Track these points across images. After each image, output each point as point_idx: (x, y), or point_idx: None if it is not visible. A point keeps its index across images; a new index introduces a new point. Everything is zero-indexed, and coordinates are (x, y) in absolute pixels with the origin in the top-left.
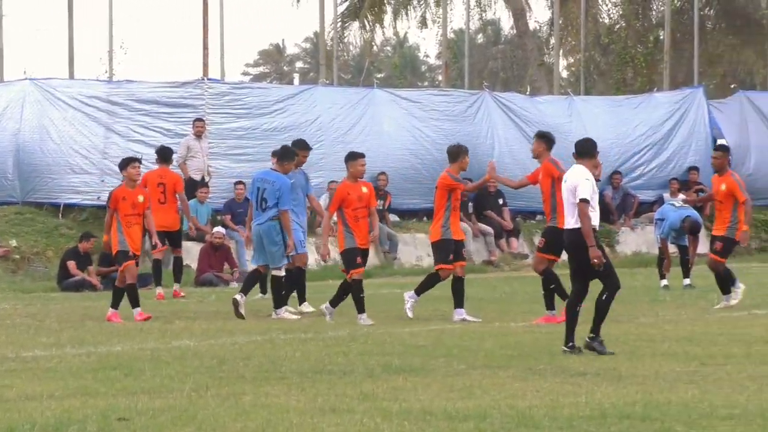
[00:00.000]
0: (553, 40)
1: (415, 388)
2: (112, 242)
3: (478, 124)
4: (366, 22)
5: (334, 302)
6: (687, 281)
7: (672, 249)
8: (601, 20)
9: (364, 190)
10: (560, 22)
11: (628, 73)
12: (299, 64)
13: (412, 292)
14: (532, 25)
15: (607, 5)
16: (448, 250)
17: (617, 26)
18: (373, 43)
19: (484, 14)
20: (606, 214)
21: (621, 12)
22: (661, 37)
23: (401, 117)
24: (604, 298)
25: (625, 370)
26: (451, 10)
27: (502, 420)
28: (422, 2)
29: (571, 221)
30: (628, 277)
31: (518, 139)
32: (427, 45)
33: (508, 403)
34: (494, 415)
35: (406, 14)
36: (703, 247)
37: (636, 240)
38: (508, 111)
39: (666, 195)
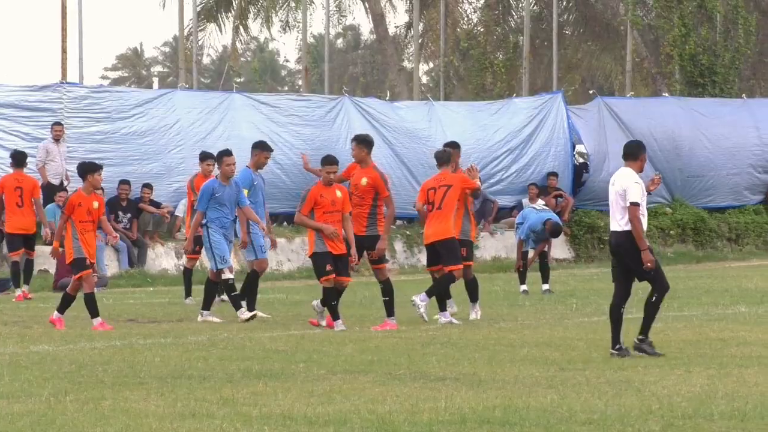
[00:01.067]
0: (412, 46)
1: (275, 393)
2: (67, 250)
3: (337, 129)
4: (236, 26)
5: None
6: (546, 286)
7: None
8: (460, 26)
9: (338, 194)
10: (420, 27)
11: (487, 79)
12: (158, 68)
13: (423, 294)
14: (391, 30)
15: (466, 11)
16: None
17: (476, 32)
18: (235, 47)
19: (344, 19)
20: None
21: (480, 17)
22: (520, 43)
23: (260, 122)
24: (653, 300)
25: (485, 375)
26: (311, 14)
27: (362, 425)
28: (283, 6)
29: (618, 224)
30: (487, 282)
31: (378, 144)
32: (288, 50)
33: (368, 408)
34: (354, 420)
35: (269, 18)
36: (561, 252)
37: (495, 245)
38: (367, 116)
39: (525, 200)
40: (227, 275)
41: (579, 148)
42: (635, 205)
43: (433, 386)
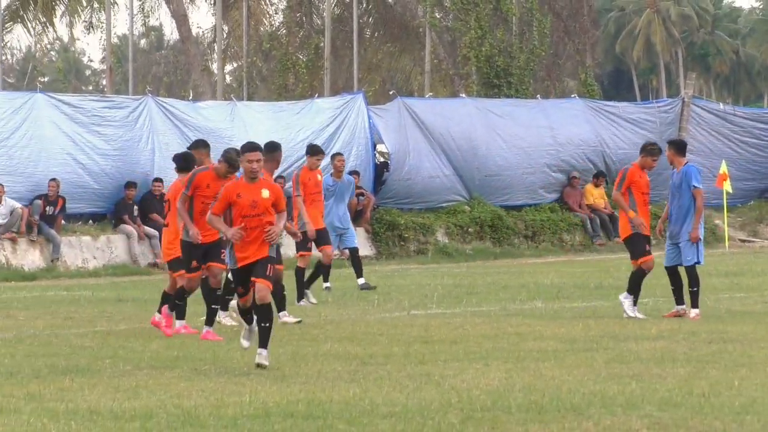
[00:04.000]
0: (216, 47)
1: (81, 388)
2: (174, 238)
3: (139, 129)
4: (44, 24)
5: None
6: (362, 281)
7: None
8: (263, 27)
9: (265, 194)
10: (224, 28)
11: (289, 79)
12: None
13: (626, 293)
14: (194, 30)
15: (269, 12)
16: (640, 243)
17: (279, 33)
18: (42, 46)
19: (147, 20)
20: None
21: (283, 19)
22: (322, 44)
23: (63, 122)
24: None
25: (289, 370)
26: (114, 15)
27: (168, 419)
28: (88, 6)
29: None
30: (289, 279)
31: (180, 144)
32: (92, 50)
33: (173, 403)
34: (160, 415)
35: (74, 18)
36: (363, 249)
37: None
38: (170, 116)
39: None
40: None
41: (380, 147)
42: None
43: (238, 381)
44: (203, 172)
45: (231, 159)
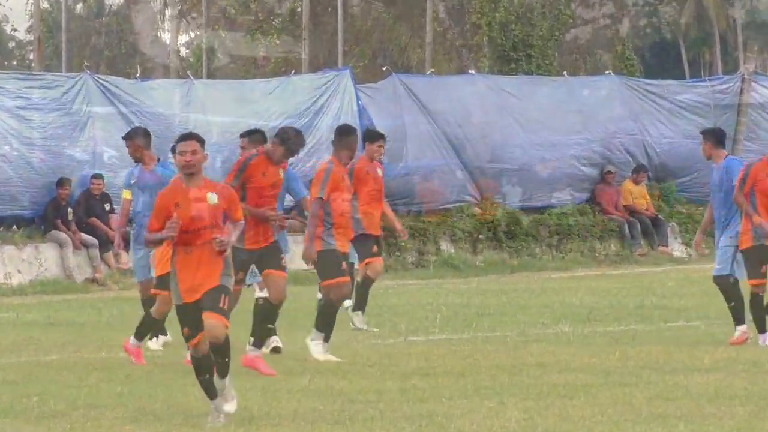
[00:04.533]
0: (169, 12)
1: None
2: None
3: (75, 114)
4: None
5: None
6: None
7: None
8: None
9: (212, 199)
10: None
11: (260, 52)
12: None
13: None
14: None
15: None
16: (758, 261)
17: None
18: None
19: None
20: None
21: None
22: (299, 9)
23: None
24: None
25: (258, 410)
26: None
27: None
28: None
29: None
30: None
31: (123, 131)
32: (15, 16)
33: None
34: None
35: None
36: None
37: None
38: (113, 98)
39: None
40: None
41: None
42: None
43: (195, 423)
44: (257, 158)
45: (288, 138)
